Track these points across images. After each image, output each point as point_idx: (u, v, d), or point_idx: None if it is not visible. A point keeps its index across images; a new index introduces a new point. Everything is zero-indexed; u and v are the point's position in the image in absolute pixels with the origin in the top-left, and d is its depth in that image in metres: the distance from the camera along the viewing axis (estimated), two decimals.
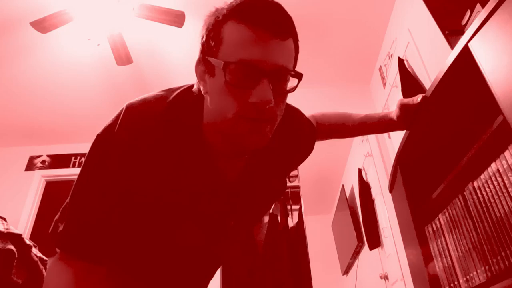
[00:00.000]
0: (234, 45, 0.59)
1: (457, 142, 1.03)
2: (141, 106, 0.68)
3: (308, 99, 2.63)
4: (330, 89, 3.20)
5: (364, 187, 3.19)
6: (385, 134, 2.71)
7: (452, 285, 0.99)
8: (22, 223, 3.14)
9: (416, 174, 1.22)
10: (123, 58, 2.48)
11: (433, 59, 2.02)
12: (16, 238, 1.40)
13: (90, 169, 0.68)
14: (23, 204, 3.25)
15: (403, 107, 1.00)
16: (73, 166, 3.46)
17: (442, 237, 1.04)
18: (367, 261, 3.45)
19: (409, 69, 2.25)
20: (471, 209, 0.91)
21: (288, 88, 0.63)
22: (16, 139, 3.51)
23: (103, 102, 3.14)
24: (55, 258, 0.69)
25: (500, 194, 0.79)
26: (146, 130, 0.65)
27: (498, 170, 0.80)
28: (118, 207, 0.67)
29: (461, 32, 0.92)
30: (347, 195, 3.80)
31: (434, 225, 1.09)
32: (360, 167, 3.35)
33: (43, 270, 1.47)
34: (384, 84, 2.81)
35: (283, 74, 0.61)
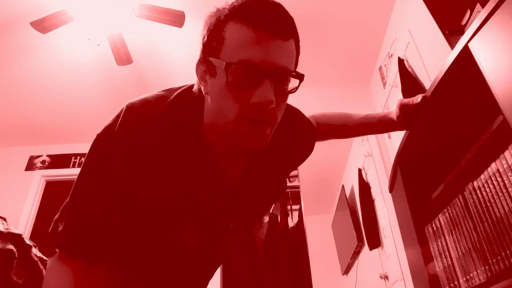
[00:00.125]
0: (236, 46, 0.59)
1: (457, 142, 1.03)
2: (141, 106, 0.68)
3: (308, 99, 2.63)
4: (330, 89, 3.20)
5: (364, 187, 3.19)
6: (385, 134, 2.71)
7: (452, 285, 0.99)
8: (22, 223, 3.14)
9: (416, 174, 1.22)
10: (123, 58, 2.48)
11: (433, 59, 2.02)
12: (16, 238, 1.40)
13: (90, 169, 0.68)
14: (23, 204, 3.25)
15: (403, 107, 1.00)
16: (73, 166, 3.46)
17: (442, 237, 1.04)
18: (367, 261, 3.45)
19: (409, 69, 2.25)
20: (471, 209, 0.91)
21: (289, 89, 0.63)
22: (16, 139, 3.51)
23: (103, 102, 3.14)
24: (55, 258, 0.69)
25: (500, 194, 0.79)
26: (146, 130, 0.65)
27: (498, 170, 0.80)
28: (118, 207, 0.67)
29: (461, 32, 0.92)
30: (347, 195, 3.80)
31: (434, 225, 1.09)
32: (360, 167, 3.35)
33: (43, 270, 1.47)
34: (384, 84, 2.81)
35: (284, 74, 0.61)
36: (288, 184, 3.07)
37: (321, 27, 2.62)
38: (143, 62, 2.81)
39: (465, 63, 0.82)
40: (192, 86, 0.71)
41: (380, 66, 2.90)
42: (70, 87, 2.99)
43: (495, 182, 0.81)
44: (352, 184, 3.73)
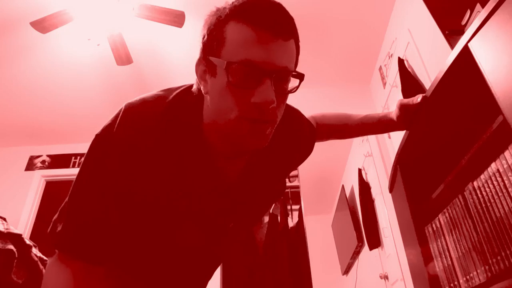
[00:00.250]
0: (237, 45, 0.59)
1: (457, 142, 1.03)
2: (140, 106, 0.68)
3: (308, 99, 2.63)
4: (330, 89, 3.20)
5: (364, 187, 3.19)
6: (385, 134, 2.71)
7: (452, 285, 0.99)
8: (22, 223, 3.14)
9: (416, 174, 1.22)
10: (123, 58, 2.48)
11: (433, 59, 2.02)
12: (16, 238, 1.40)
13: (88, 170, 0.68)
14: (23, 204, 3.25)
15: (403, 107, 1.00)
16: (73, 166, 3.46)
17: (442, 237, 1.04)
18: (367, 261, 3.45)
19: (409, 69, 2.25)
20: (471, 209, 0.90)
21: (289, 89, 0.63)
22: (16, 139, 3.51)
23: (103, 102, 3.14)
24: (54, 258, 0.69)
25: (500, 194, 0.79)
26: (145, 130, 0.65)
27: (498, 170, 0.80)
28: (117, 207, 0.67)
29: (461, 32, 0.92)
30: (347, 195, 3.80)
31: (434, 225, 1.09)
32: (360, 167, 3.35)
33: (43, 270, 1.47)
34: (384, 84, 2.81)
35: (285, 74, 0.61)
36: (288, 184, 3.07)
37: (321, 27, 2.62)
38: (143, 62, 2.81)
39: (465, 63, 0.82)
40: (191, 86, 0.71)
41: (380, 66, 2.90)
42: (70, 87, 2.99)
43: (495, 182, 0.81)
44: (352, 184, 3.73)
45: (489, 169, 0.83)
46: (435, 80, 0.93)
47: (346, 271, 4.23)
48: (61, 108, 3.19)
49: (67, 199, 0.70)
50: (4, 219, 1.48)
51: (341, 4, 2.47)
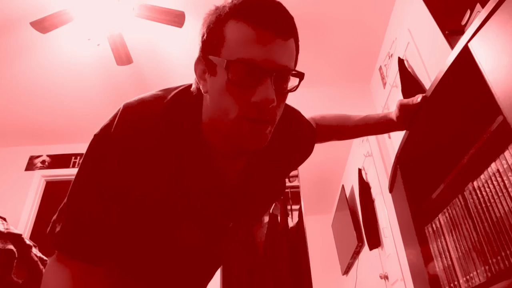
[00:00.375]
0: (237, 44, 0.58)
1: (457, 142, 1.03)
2: (139, 106, 0.68)
3: (308, 99, 2.63)
4: (330, 89, 3.20)
5: (364, 187, 3.19)
6: (385, 134, 2.71)
7: (452, 285, 0.99)
8: (22, 223, 3.14)
9: (416, 174, 1.22)
10: (123, 58, 2.48)
11: (433, 59, 2.02)
12: (16, 238, 1.40)
13: (87, 170, 0.68)
14: (23, 204, 3.25)
15: (402, 107, 1.00)
16: (73, 166, 3.46)
17: (442, 237, 1.04)
18: (367, 261, 3.45)
19: (409, 69, 2.25)
20: (471, 209, 0.90)
21: (289, 88, 0.63)
22: (16, 139, 3.51)
23: (103, 102, 3.14)
24: (53, 259, 0.69)
25: (500, 194, 0.79)
26: (144, 130, 0.65)
27: (498, 170, 0.80)
28: (116, 207, 0.67)
29: (461, 32, 0.92)
30: (347, 195, 3.80)
31: (434, 225, 1.09)
32: (360, 167, 3.34)
33: (43, 270, 1.47)
34: (384, 84, 2.81)
35: (285, 73, 0.61)
36: (288, 184, 3.07)
37: (321, 27, 2.62)
38: (143, 62, 2.81)
39: (465, 63, 0.82)
40: (190, 85, 0.71)
41: (380, 66, 2.90)
42: (70, 87, 2.99)
43: (495, 182, 0.81)
44: (352, 184, 3.73)
45: (489, 169, 0.83)
46: (435, 80, 0.93)
47: (346, 271, 4.23)
48: (61, 108, 3.20)
49: (66, 199, 0.70)
50: (4, 219, 1.48)
51: (341, 4, 2.47)
